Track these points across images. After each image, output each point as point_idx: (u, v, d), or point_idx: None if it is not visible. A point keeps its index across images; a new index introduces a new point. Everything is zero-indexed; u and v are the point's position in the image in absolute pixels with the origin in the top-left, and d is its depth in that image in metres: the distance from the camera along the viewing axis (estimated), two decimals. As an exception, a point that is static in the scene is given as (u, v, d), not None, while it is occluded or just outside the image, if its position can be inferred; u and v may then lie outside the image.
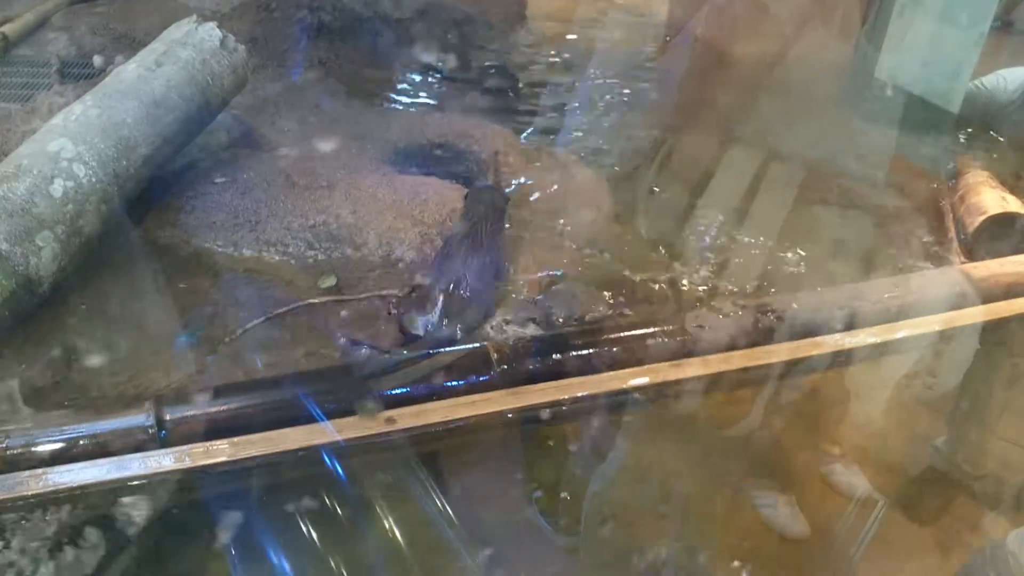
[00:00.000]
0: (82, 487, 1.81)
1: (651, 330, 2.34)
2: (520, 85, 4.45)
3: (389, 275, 2.75)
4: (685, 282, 2.84)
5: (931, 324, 2.52)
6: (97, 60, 3.83)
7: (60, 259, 2.39)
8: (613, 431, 2.27)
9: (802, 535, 2.11)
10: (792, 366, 2.37)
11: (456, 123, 3.76)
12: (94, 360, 2.27)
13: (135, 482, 1.85)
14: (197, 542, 1.98)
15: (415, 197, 3.05)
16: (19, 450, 1.85)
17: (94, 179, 2.52)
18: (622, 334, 2.34)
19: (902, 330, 2.49)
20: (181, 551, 2.01)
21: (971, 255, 3.07)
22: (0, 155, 2.85)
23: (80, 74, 3.78)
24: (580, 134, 3.99)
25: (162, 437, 1.92)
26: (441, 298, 2.40)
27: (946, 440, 2.44)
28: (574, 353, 2.25)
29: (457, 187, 3.21)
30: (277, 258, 2.80)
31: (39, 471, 1.82)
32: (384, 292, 2.65)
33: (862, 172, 3.63)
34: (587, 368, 2.22)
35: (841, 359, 2.43)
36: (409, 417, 2.02)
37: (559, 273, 2.80)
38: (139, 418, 1.93)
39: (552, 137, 3.92)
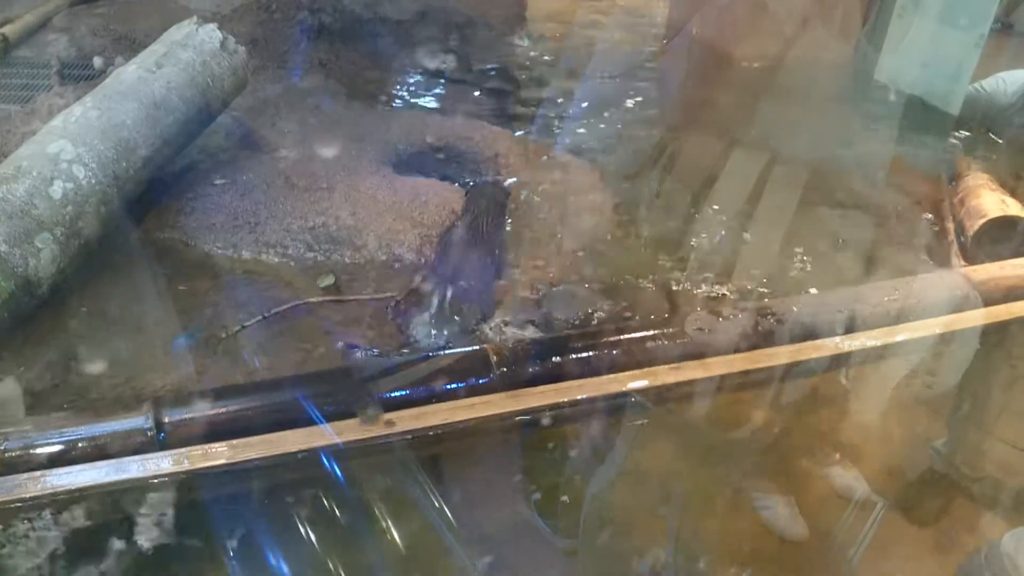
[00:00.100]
0: (81, 489, 1.80)
1: (651, 333, 2.34)
2: (520, 87, 4.45)
3: (389, 276, 2.76)
4: (687, 284, 2.84)
5: (931, 327, 2.52)
6: (97, 61, 3.83)
7: (59, 261, 2.40)
8: (612, 433, 2.27)
9: (801, 537, 2.11)
10: (792, 368, 2.38)
11: (456, 125, 3.76)
12: (93, 362, 2.27)
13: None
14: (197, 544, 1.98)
15: (415, 199, 3.05)
16: (18, 452, 1.85)
17: (94, 181, 2.52)
18: (622, 337, 2.34)
19: (902, 333, 2.49)
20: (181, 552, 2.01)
21: (971, 258, 3.07)
22: (0, 156, 2.85)
23: (80, 75, 3.78)
24: (580, 135, 3.99)
25: (161, 439, 1.92)
26: (446, 289, 2.41)
27: (946, 442, 2.44)
28: (574, 356, 2.25)
29: (457, 189, 3.21)
30: (276, 260, 2.80)
31: (38, 473, 1.82)
32: (382, 295, 2.65)
33: (862, 174, 3.63)
34: (587, 371, 2.22)
35: (840, 362, 2.43)
36: (409, 420, 2.02)
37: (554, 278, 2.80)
38: (138, 420, 1.93)
39: (552, 138, 3.92)
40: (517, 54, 4.96)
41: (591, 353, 2.27)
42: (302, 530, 1.94)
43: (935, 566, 2.11)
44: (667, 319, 2.56)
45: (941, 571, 2.11)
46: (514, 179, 3.38)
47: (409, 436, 2.01)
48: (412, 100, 4.22)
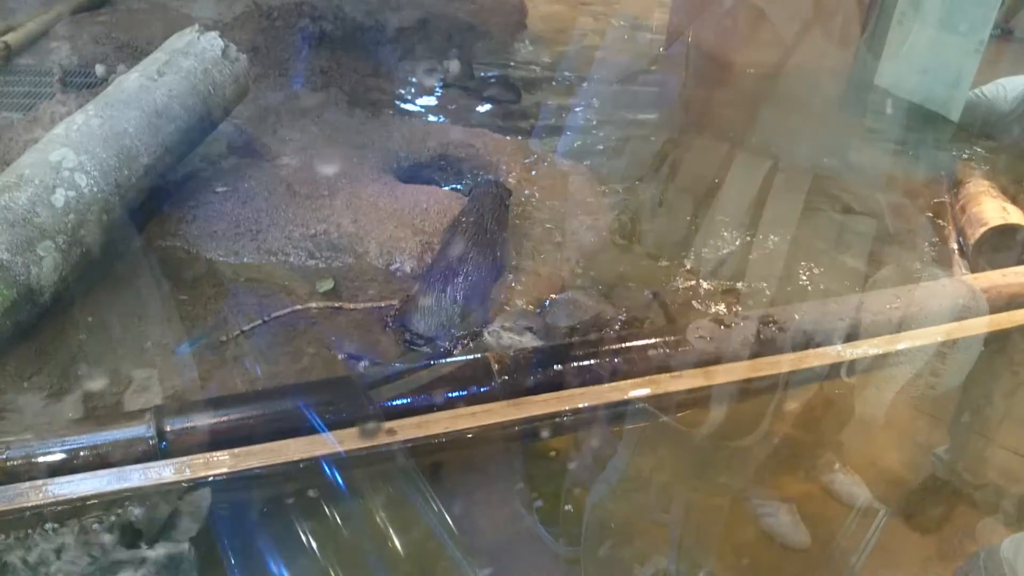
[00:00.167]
0: (83, 498, 1.80)
1: (652, 341, 2.34)
2: (521, 94, 4.46)
3: (390, 284, 2.76)
4: (687, 290, 2.85)
5: (933, 335, 2.52)
6: (99, 69, 3.84)
7: (61, 269, 2.40)
8: (614, 441, 2.27)
9: (803, 544, 2.10)
10: (793, 376, 2.38)
11: (457, 132, 3.77)
12: (95, 371, 2.27)
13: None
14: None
15: (416, 206, 3.05)
16: (19, 461, 1.85)
17: (96, 189, 2.52)
18: (624, 345, 2.34)
19: (903, 341, 2.49)
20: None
21: (972, 265, 3.07)
22: (2, 164, 2.85)
23: (82, 83, 3.79)
24: (581, 142, 4.00)
25: (163, 448, 1.92)
26: (446, 287, 2.44)
27: (948, 448, 2.44)
28: (575, 364, 2.25)
29: (458, 196, 3.21)
30: (278, 267, 2.80)
31: (39, 482, 1.82)
32: (382, 303, 2.65)
33: (862, 181, 3.64)
34: (589, 379, 2.22)
35: (842, 369, 2.43)
36: (410, 428, 2.02)
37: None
38: (139, 429, 1.93)
39: (553, 145, 3.92)
40: (518, 61, 4.97)
41: (592, 361, 2.27)
42: (303, 538, 1.94)
43: (937, 573, 2.11)
44: (669, 327, 2.57)
45: (943, 578, 2.11)
46: (514, 185, 3.38)
47: (410, 444, 2.01)
48: (413, 108, 4.24)
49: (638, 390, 2.22)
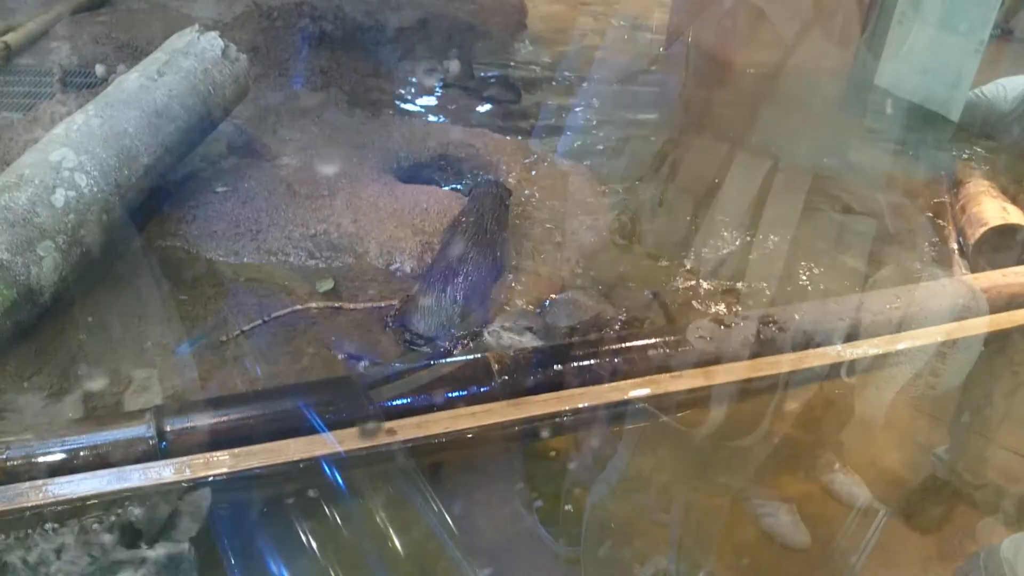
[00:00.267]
0: (83, 498, 1.80)
1: (652, 341, 2.34)
2: (521, 94, 4.46)
3: (390, 284, 2.76)
4: (687, 290, 2.85)
5: (933, 335, 2.52)
6: (99, 69, 3.84)
7: (61, 269, 2.40)
8: (614, 441, 2.27)
9: (803, 544, 2.10)
10: (793, 376, 2.38)
11: (457, 132, 3.77)
12: (95, 371, 2.27)
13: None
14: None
15: (416, 206, 3.05)
16: (19, 461, 1.85)
17: (96, 189, 2.52)
18: (624, 345, 2.34)
19: (904, 341, 2.49)
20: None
21: (972, 265, 3.07)
22: (2, 164, 2.85)
23: (82, 83, 3.79)
24: (581, 142, 4.00)
25: (163, 448, 1.92)
26: (446, 287, 2.44)
27: (948, 448, 2.44)
28: (575, 364, 2.25)
29: (458, 196, 3.21)
30: (278, 267, 2.80)
31: (39, 482, 1.82)
32: (382, 303, 2.65)
33: (862, 181, 3.64)
34: (589, 379, 2.22)
35: (842, 369, 2.43)
36: (410, 428, 2.02)
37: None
38: (139, 429, 1.93)
39: (553, 145, 3.92)
40: (518, 61, 4.97)
41: (592, 361, 2.27)
42: (303, 538, 1.94)
43: (937, 573, 2.11)
44: (669, 327, 2.57)
45: (943, 578, 2.11)
46: (513, 185, 3.38)
47: (411, 444, 2.01)
48: (413, 107, 4.24)
49: (638, 390, 2.23)
